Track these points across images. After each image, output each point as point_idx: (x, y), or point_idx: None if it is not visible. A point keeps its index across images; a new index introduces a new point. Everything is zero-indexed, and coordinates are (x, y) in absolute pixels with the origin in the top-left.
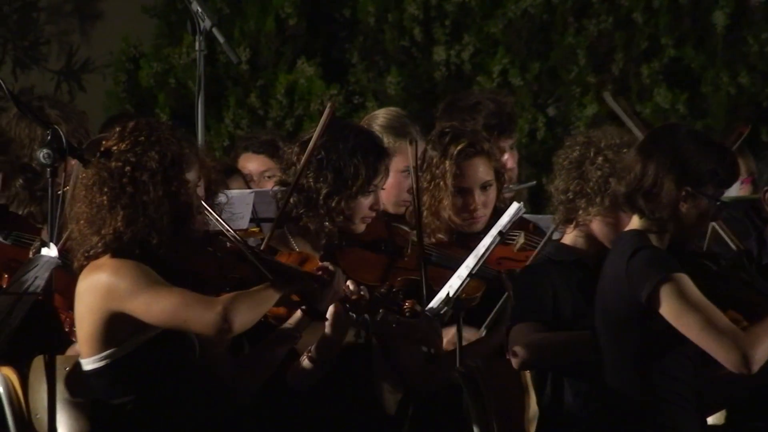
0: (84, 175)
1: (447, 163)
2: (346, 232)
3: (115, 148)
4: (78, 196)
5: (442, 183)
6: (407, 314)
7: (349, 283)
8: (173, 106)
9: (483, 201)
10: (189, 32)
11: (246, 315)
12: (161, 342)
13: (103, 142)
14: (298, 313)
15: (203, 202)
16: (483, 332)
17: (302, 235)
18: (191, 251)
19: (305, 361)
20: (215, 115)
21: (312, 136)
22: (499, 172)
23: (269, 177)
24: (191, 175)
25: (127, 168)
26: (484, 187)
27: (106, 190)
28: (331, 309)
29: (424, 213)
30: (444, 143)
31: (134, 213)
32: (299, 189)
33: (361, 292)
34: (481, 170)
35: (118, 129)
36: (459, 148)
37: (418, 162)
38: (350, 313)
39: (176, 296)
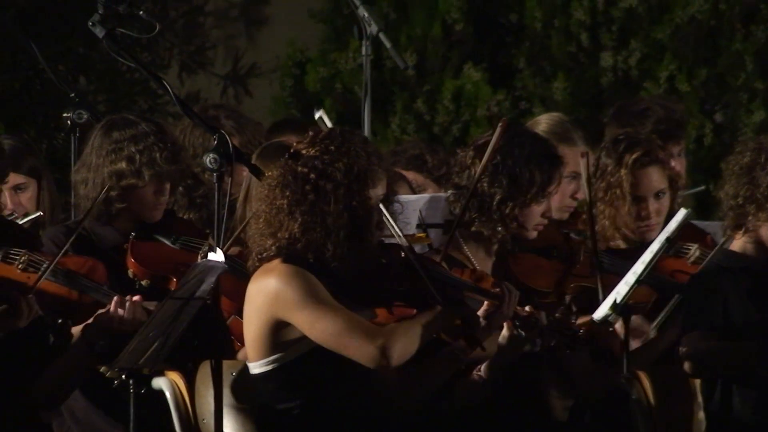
0: (270, 174)
1: (622, 171)
2: (518, 238)
3: (304, 152)
4: (260, 194)
5: (618, 191)
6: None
7: (518, 308)
8: (340, 111)
9: (656, 209)
10: (355, 37)
11: (405, 349)
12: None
13: (294, 144)
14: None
15: (388, 217)
16: (652, 333)
17: (474, 240)
18: (364, 262)
19: (474, 378)
20: (382, 120)
21: (489, 142)
22: (673, 180)
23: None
24: (376, 191)
25: (312, 175)
26: (658, 195)
27: (288, 193)
28: (504, 329)
29: (603, 221)
30: (619, 151)
31: (312, 221)
32: (473, 193)
33: (534, 313)
34: (656, 179)
35: (311, 133)
36: (634, 156)
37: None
38: (520, 331)
39: (340, 320)
